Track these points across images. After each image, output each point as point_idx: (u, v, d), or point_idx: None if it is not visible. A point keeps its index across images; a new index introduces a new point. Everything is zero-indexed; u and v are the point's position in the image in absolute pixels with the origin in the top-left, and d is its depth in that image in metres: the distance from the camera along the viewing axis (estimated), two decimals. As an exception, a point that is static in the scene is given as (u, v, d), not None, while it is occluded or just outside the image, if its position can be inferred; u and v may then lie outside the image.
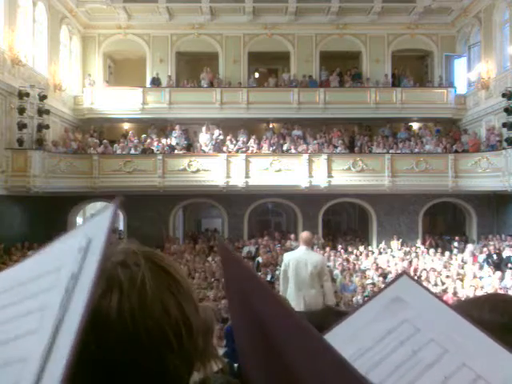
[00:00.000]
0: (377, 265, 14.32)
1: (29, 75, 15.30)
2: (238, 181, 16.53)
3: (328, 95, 18.64)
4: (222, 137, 18.32)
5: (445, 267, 13.94)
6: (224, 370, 3.02)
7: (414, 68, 20.18)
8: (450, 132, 18.81)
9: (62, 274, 0.47)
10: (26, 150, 14.56)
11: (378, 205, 17.83)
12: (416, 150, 17.35)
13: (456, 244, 16.56)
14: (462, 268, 13.87)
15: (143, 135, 18.28)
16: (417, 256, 15.57)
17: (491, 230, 17.01)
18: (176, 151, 17.59)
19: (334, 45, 19.79)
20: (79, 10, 18.69)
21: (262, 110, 18.56)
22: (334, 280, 12.88)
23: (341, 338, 0.56)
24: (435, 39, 19.92)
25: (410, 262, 14.84)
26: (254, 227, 20.11)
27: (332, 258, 15.07)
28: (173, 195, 17.34)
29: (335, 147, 17.79)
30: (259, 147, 17.81)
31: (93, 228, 0.51)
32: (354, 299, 11.98)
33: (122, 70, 20.86)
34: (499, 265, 13.74)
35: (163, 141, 18.04)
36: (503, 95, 15.36)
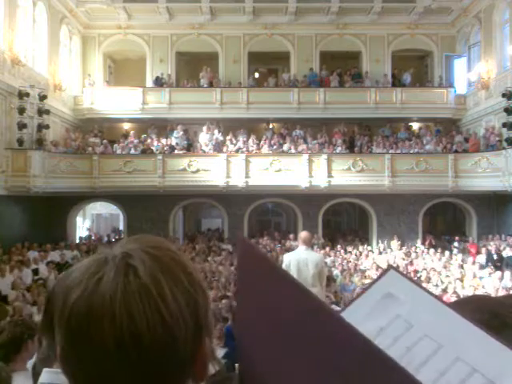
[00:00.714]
0: (377, 265, 14.32)
1: (29, 75, 15.30)
2: (237, 181, 16.53)
3: (328, 95, 18.64)
4: (222, 137, 18.32)
5: (445, 267, 13.94)
6: (221, 371, 3.02)
7: (414, 68, 20.17)
8: (450, 132, 18.81)
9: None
10: (26, 149, 14.55)
11: (378, 205, 17.83)
12: (416, 150, 17.35)
13: (456, 244, 16.56)
14: (462, 268, 13.87)
15: (143, 135, 18.29)
16: (417, 256, 15.57)
17: (491, 230, 17.00)
18: (176, 151, 17.59)
19: (334, 45, 19.79)
20: (79, 10, 18.68)
21: (262, 110, 18.56)
22: (334, 280, 12.89)
23: None
24: (435, 39, 19.92)
25: (410, 262, 14.85)
26: (254, 227, 20.12)
27: (332, 257, 15.08)
28: (173, 195, 17.33)
29: (335, 147, 17.79)
30: (259, 147, 17.81)
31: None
32: (354, 299, 11.94)
33: (121, 70, 20.86)
34: (499, 265, 13.74)
35: (163, 141, 18.04)
36: (503, 95, 15.36)
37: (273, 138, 18.26)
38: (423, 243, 17.08)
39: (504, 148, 15.38)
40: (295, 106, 18.62)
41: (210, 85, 19.34)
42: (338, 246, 16.48)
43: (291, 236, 16.88)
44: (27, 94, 14.44)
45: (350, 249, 16.29)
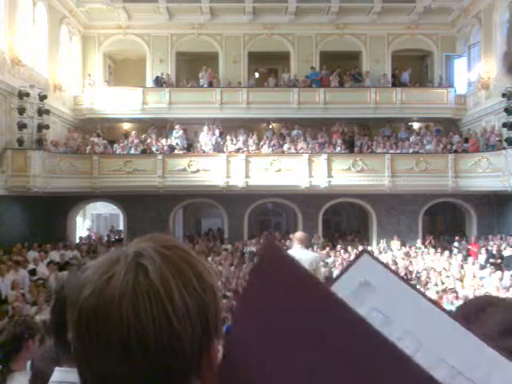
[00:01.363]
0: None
1: (29, 75, 15.30)
2: (237, 181, 16.53)
3: (328, 95, 18.65)
4: (221, 137, 18.32)
5: (445, 267, 13.94)
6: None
7: (414, 68, 20.18)
8: (450, 132, 18.81)
9: None
10: (26, 150, 14.55)
11: (378, 205, 17.83)
12: (416, 150, 17.35)
13: (456, 244, 16.56)
14: (462, 268, 13.87)
15: (143, 135, 18.29)
16: (417, 256, 15.57)
17: (491, 230, 17.00)
18: (176, 151, 17.58)
19: (334, 45, 19.79)
20: (79, 10, 18.69)
21: (262, 110, 18.56)
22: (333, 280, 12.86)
23: None
24: (435, 39, 19.92)
25: (410, 262, 14.85)
26: (254, 227, 20.10)
27: (332, 258, 15.07)
28: (173, 195, 17.33)
29: (335, 147, 17.78)
30: (259, 147, 17.81)
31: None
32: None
33: (121, 70, 20.86)
34: (499, 265, 13.73)
35: (163, 141, 18.03)
36: (503, 95, 15.37)
37: (273, 137, 18.26)
38: (423, 243, 17.08)
39: (504, 148, 15.39)
40: (295, 106, 18.62)
41: (210, 85, 19.34)
42: (338, 246, 16.48)
43: (291, 236, 16.85)
44: (27, 94, 14.44)
45: (349, 249, 16.28)
